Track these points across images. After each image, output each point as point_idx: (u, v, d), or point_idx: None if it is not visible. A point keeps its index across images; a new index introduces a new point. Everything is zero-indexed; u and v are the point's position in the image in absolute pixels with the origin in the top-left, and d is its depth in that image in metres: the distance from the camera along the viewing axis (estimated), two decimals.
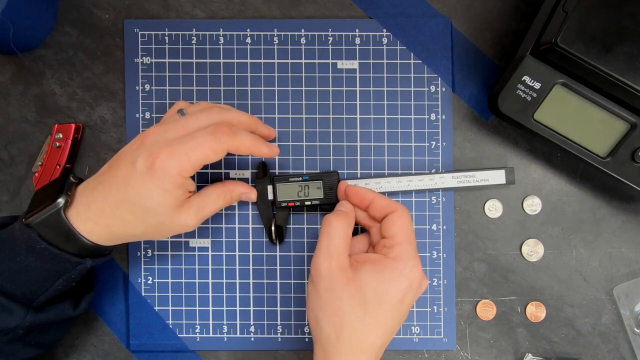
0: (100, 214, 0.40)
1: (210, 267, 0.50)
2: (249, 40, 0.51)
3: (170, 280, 0.50)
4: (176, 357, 0.50)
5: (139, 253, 0.51)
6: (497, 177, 0.49)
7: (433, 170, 0.50)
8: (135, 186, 0.39)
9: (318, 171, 0.50)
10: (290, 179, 0.48)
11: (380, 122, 0.50)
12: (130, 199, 0.39)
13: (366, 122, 0.50)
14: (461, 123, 0.51)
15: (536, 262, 0.50)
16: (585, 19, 0.41)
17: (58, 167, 0.49)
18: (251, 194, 0.47)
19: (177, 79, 0.51)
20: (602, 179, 0.49)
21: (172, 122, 0.42)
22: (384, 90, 0.50)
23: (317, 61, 0.51)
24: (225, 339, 0.50)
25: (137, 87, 0.51)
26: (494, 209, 0.50)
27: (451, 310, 0.50)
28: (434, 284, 0.50)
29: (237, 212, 0.50)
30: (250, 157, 0.50)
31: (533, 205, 0.50)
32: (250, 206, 0.50)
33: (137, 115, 0.51)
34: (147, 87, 0.51)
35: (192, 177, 0.44)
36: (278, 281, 0.50)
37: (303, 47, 0.51)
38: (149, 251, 0.51)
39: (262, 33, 0.51)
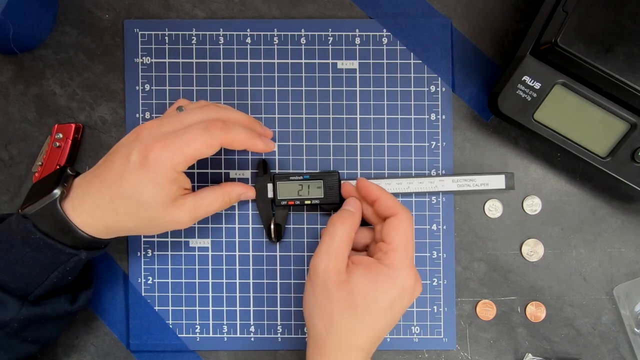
0: (94, 206, 0.40)
1: (210, 267, 0.50)
2: (249, 40, 0.51)
3: (170, 280, 0.50)
4: (176, 357, 0.50)
5: (139, 253, 0.51)
6: (496, 181, 0.49)
7: (433, 172, 0.50)
8: (129, 179, 0.39)
9: (319, 171, 0.50)
10: (291, 178, 0.48)
11: (380, 122, 0.50)
12: (125, 192, 0.39)
13: (366, 122, 0.50)
14: (461, 123, 0.51)
15: (536, 262, 0.50)
16: (585, 19, 0.41)
17: (58, 167, 0.49)
18: (249, 193, 0.48)
19: (177, 79, 0.51)
20: (602, 179, 0.49)
21: (168, 117, 0.42)
22: (384, 90, 0.50)
23: (317, 61, 0.51)
24: (225, 339, 0.50)
25: (137, 87, 0.51)
26: (494, 209, 0.50)
27: (451, 310, 0.50)
28: (434, 284, 0.50)
29: (237, 212, 0.50)
30: (250, 157, 0.50)
31: (533, 205, 0.50)
32: (250, 206, 0.50)
33: (137, 115, 0.51)
34: (147, 87, 0.51)
35: (192, 178, 0.44)
36: (278, 281, 0.50)
37: (303, 47, 0.51)
38: (149, 251, 0.51)
39: (262, 33, 0.51)
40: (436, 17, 0.51)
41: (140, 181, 0.39)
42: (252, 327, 0.50)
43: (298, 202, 0.48)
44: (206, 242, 0.51)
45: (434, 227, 0.50)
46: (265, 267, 0.50)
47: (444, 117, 0.50)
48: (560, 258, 0.50)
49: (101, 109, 0.51)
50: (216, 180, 0.50)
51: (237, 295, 0.50)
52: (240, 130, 0.42)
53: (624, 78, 0.41)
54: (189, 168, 0.41)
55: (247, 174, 0.50)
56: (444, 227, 0.50)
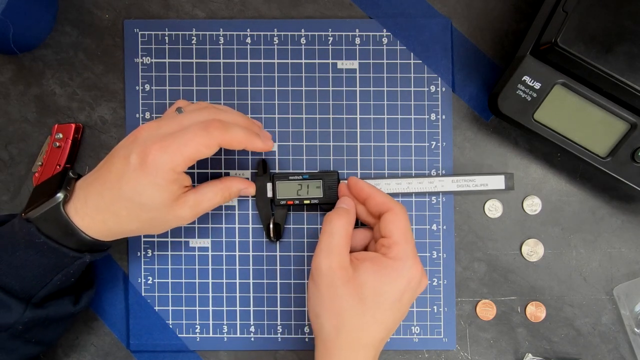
0: (96, 209, 0.40)
1: (210, 267, 0.50)
2: (249, 40, 0.51)
3: (170, 280, 0.50)
4: (176, 357, 0.50)
5: (139, 253, 0.51)
6: (496, 182, 0.49)
7: (433, 172, 0.50)
8: (129, 182, 0.39)
9: (318, 171, 0.50)
10: (290, 177, 0.48)
11: (380, 122, 0.50)
12: (125, 195, 0.39)
13: (366, 122, 0.50)
14: (461, 123, 0.51)
15: (536, 262, 0.50)
16: (585, 19, 0.41)
17: (58, 167, 0.49)
18: (249, 189, 0.48)
19: (177, 79, 0.51)
20: (602, 179, 0.49)
21: (167, 118, 0.42)
22: (384, 90, 0.50)
23: (317, 61, 0.51)
24: (225, 339, 0.50)
25: (137, 87, 0.51)
26: (494, 209, 0.50)
27: (451, 310, 0.50)
28: (434, 284, 0.50)
29: (237, 212, 0.50)
30: (250, 156, 0.50)
31: (533, 205, 0.50)
32: (250, 206, 0.50)
33: (137, 115, 0.51)
34: (147, 87, 0.51)
35: (192, 178, 0.44)
36: (278, 281, 0.50)
37: (303, 47, 0.51)
38: (149, 251, 0.51)
39: (262, 33, 0.51)
40: (436, 17, 0.51)
41: (140, 183, 0.39)
42: (252, 327, 0.50)
43: (297, 202, 0.48)
44: (206, 242, 0.51)
45: (434, 227, 0.50)
46: (265, 267, 0.50)
47: (444, 117, 0.50)
48: (560, 258, 0.50)
49: (101, 109, 0.51)
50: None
51: (237, 295, 0.50)
52: (239, 130, 0.42)
53: (624, 78, 0.41)
54: (189, 168, 0.41)
55: (247, 173, 0.50)
56: (444, 227, 0.50)
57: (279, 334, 0.50)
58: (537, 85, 0.44)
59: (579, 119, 0.44)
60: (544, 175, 0.51)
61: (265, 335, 0.50)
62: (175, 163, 0.39)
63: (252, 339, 0.50)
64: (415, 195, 0.50)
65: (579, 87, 0.44)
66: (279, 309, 0.50)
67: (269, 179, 0.49)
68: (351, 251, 0.44)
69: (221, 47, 0.51)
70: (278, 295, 0.50)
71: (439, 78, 0.50)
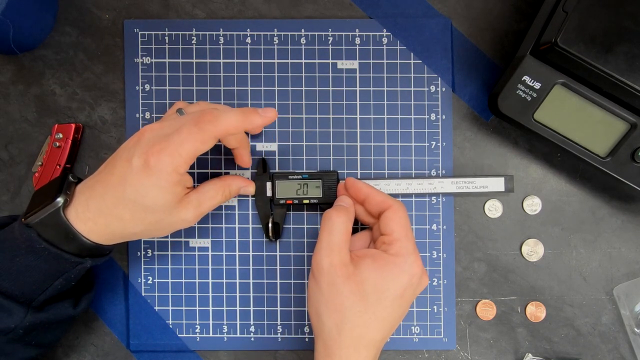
0: (98, 213, 0.40)
1: (210, 267, 0.50)
2: (249, 40, 0.51)
3: (170, 280, 0.50)
4: (176, 357, 0.50)
5: (139, 253, 0.51)
6: (496, 184, 0.49)
7: (433, 172, 0.50)
8: (132, 184, 0.39)
9: (318, 170, 0.50)
10: (290, 177, 0.48)
11: (380, 122, 0.50)
12: (128, 197, 0.39)
13: (366, 122, 0.50)
14: (461, 123, 0.51)
15: (536, 262, 0.50)
16: (585, 19, 0.41)
17: (58, 167, 0.49)
18: (249, 187, 0.48)
19: (177, 79, 0.51)
20: (602, 179, 0.49)
21: (168, 119, 0.42)
22: (384, 90, 0.50)
23: (317, 61, 0.51)
24: (225, 339, 0.50)
25: (137, 87, 0.51)
26: (494, 209, 0.50)
27: (451, 310, 0.50)
28: (434, 284, 0.50)
29: (237, 212, 0.50)
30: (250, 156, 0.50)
31: (533, 205, 0.50)
32: (250, 206, 0.50)
33: (137, 115, 0.51)
34: (147, 87, 0.51)
35: (192, 178, 0.44)
36: (278, 281, 0.50)
37: (303, 47, 0.51)
38: (149, 251, 0.51)
39: (262, 33, 0.51)
40: (436, 17, 0.51)
41: (143, 185, 0.39)
42: (252, 327, 0.50)
43: (297, 202, 0.48)
44: (206, 242, 0.51)
45: (434, 227, 0.50)
46: (265, 267, 0.50)
47: (444, 117, 0.50)
48: (560, 258, 0.50)
49: (101, 109, 0.51)
50: None
51: (237, 295, 0.50)
52: (230, 114, 0.41)
53: (624, 78, 0.41)
54: (190, 168, 0.41)
55: (247, 174, 0.50)
56: (444, 227, 0.50)
57: (279, 334, 0.50)
58: (537, 85, 0.44)
59: (579, 119, 0.44)
60: (544, 175, 0.51)
61: (265, 335, 0.50)
62: (176, 164, 0.39)
63: (252, 339, 0.50)
64: (415, 195, 0.50)
65: (579, 87, 0.44)
66: (279, 309, 0.50)
67: (269, 178, 0.49)
68: (350, 252, 0.44)
69: (221, 47, 0.51)
70: (278, 295, 0.50)
71: (439, 78, 0.50)
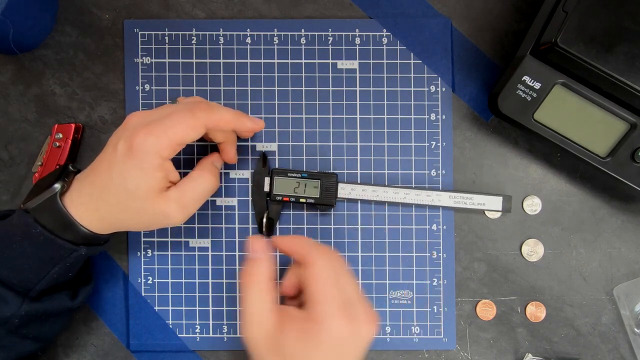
0: (89, 197, 0.41)
1: (210, 267, 0.50)
2: (249, 40, 0.51)
3: (170, 280, 0.50)
4: (176, 357, 0.50)
5: (139, 253, 0.51)
6: (494, 203, 0.49)
7: (433, 173, 0.50)
8: (117, 168, 0.40)
9: (317, 171, 0.50)
10: (289, 174, 0.49)
11: (380, 122, 0.50)
12: (114, 182, 0.40)
13: (366, 122, 0.50)
14: (461, 123, 0.51)
15: (536, 262, 0.50)
16: (585, 19, 0.41)
17: (58, 167, 0.49)
18: (218, 158, 0.46)
19: (177, 79, 0.51)
20: (602, 179, 0.49)
21: (157, 107, 0.42)
22: (384, 90, 0.50)
23: (317, 61, 0.51)
24: (225, 339, 0.50)
25: (137, 87, 0.51)
26: None
27: (451, 310, 0.50)
28: (434, 284, 0.50)
29: (237, 212, 0.50)
30: (250, 157, 0.50)
31: (533, 205, 0.50)
32: (250, 206, 0.50)
33: None
34: (147, 87, 0.51)
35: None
36: (278, 281, 0.50)
37: (303, 47, 0.51)
38: (149, 251, 0.51)
39: (262, 33, 0.51)
40: (436, 17, 0.51)
41: (127, 168, 0.39)
42: None
43: (293, 199, 0.48)
44: (206, 242, 0.51)
45: (434, 227, 0.50)
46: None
47: (444, 117, 0.50)
48: (560, 258, 0.50)
49: (101, 109, 0.51)
50: None
51: (237, 295, 0.50)
52: (225, 110, 0.42)
53: (624, 78, 0.41)
54: (187, 168, 0.41)
55: (247, 174, 0.50)
56: (444, 227, 0.50)
57: None
58: (537, 85, 0.44)
59: (579, 119, 0.44)
60: (544, 175, 0.51)
61: None
62: (160, 146, 0.39)
63: None
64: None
65: (579, 87, 0.44)
66: None
67: (268, 174, 0.49)
68: (291, 296, 0.42)
69: (221, 47, 0.51)
70: (278, 295, 0.50)
71: (439, 78, 0.50)
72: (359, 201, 0.50)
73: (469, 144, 0.51)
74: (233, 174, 0.50)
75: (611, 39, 0.41)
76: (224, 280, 0.50)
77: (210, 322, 0.50)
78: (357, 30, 0.50)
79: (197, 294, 0.50)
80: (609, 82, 0.41)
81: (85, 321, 0.51)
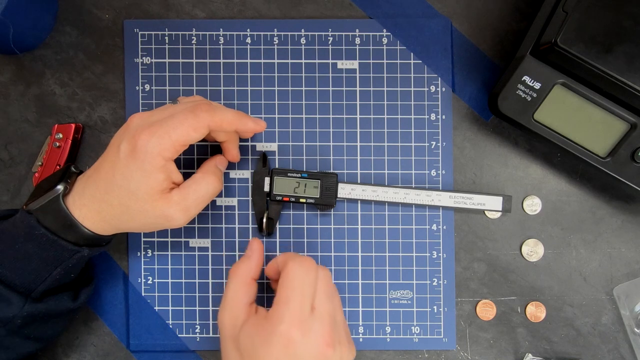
0: (92, 199, 0.41)
1: (210, 267, 0.50)
2: (249, 40, 0.51)
3: (170, 280, 0.50)
4: (176, 357, 0.50)
5: (139, 253, 0.51)
6: (494, 203, 0.49)
7: (433, 173, 0.50)
8: (120, 169, 0.40)
9: (318, 171, 0.50)
10: (289, 174, 0.49)
11: (380, 122, 0.50)
12: (116, 183, 0.40)
13: (366, 122, 0.50)
14: (461, 123, 0.51)
15: (536, 262, 0.50)
16: (585, 19, 0.41)
17: (58, 167, 0.49)
18: (223, 160, 0.47)
19: (177, 79, 0.51)
20: (602, 179, 0.49)
21: (159, 108, 0.42)
22: (384, 90, 0.50)
23: (317, 61, 0.51)
24: None
25: (137, 87, 0.51)
26: None
27: (451, 310, 0.50)
28: (434, 284, 0.50)
29: (237, 212, 0.50)
30: (250, 157, 0.50)
31: (533, 205, 0.50)
32: (250, 206, 0.50)
33: None
34: (147, 87, 0.51)
35: (188, 177, 0.44)
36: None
37: (303, 47, 0.51)
38: (149, 251, 0.51)
39: (262, 33, 0.51)
40: (436, 17, 0.51)
41: (129, 169, 0.39)
42: None
43: (293, 199, 0.48)
44: (206, 242, 0.51)
45: (434, 227, 0.50)
46: (264, 267, 0.50)
47: (444, 117, 0.50)
48: (560, 258, 0.50)
49: (101, 109, 0.51)
50: None
51: None
52: (227, 111, 0.42)
53: (624, 78, 0.41)
54: (188, 168, 0.41)
55: (247, 174, 0.50)
56: (444, 227, 0.50)
57: None
58: (537, 85, 0.44)
59: (579, 119, 0.44)
60: (544, 175, 0.51)
61: None
62: (163, 147, 0.39)
63: None
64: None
65: (579, 87, 0.44)
66: None
67: (268, 173, 0.49)
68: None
69: (221, 47, 0.51)
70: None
71: (439, 78, 0.50)
72: (359, 201, 0.50)
73: (469, 144, 0.51)
74: (233, 174, 0.50)
75: (611, 39, 0.41)
76: (224, 281, 0.50)
77: (210, 322, 0.50)
78: (357, 30, 0.50)
79: (197, 294, 0.50)
80: (609, 82, 0.41)
81: (85, 321, 0.51)
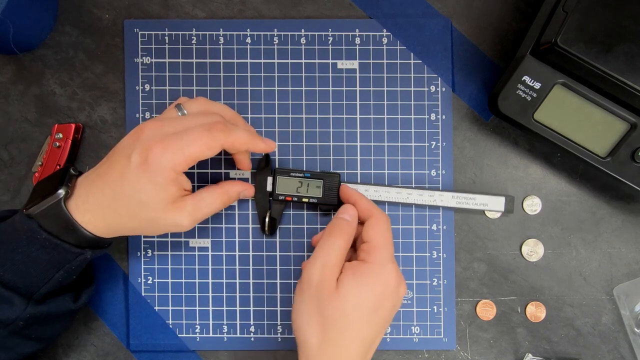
0: (97, 206, 0.40)
1: (210, 267, 0.50)
2: (249, 40, 0.51)
3: (170, 280, 0.50)
4: (176, 357, 0.50)
5: (139, 253, 0.51)
6: (496, 203, 0.49)
7: (433, 173, 0.50)
8: (130, 180, 0.39)
9: (319, 171, 0.50)
10: (292, 174, 0.48)
11: (380, 122, 0.50)
12: (125, 193, 0.40)
13: (366, 122, 0.50)
14: (461, 123, 0.51)
15: (536, 262, 0.50)
16: (585, 19, 0.41)
17: (58, 167, 0.49)
18: (249, 191, 0.48)
19: (177, 79, 0.51)
20: (602, 179, 0.49)
21: (169, 118, 0.42)
22: (384, 90, 0.50)
23: (317, 61, 0.51)
24: (225, 339, 0.50)
25: (137, 87, 0.51)
26: None
27: (451, 310, 0.50)
28: (434, 284, 0.50)
29: (237, 212, 0.50)
30: (250, 156, 0.50)
31: (533, 205, 0.50)
32: (250, 206, 0.50)
33: (137, 115, 0.51)
34: (147, 87, 0.51)
35: (192, 178, 0.44)
36: (278, 281, 0.50)
37: (303, 47, 0.51)
38: (149, 251, 0.51)
39: (262, 33, 0.51)
40: (436, 17, 0.51)
41: (140, 181, 0.39)
42: (252, 327, 0.50)
43: (295, 199, 0.48)
44: (206, 242, 0.51)
45: (434, 227, 0.50)
46: (265, 267, 0.50)
47: (444, 117, 0.50)
48: (560, 258, 0.50)
49: (101, 109, 0.51)
50: (216, 180, 0.50)
51: (237, 295, 0.50)
52: (241, 132, 0.42)
53: (624, 78, 0.41)
54: (189, 168, 0.41)
55: (247, 174, 0.50)
56: (444, 227, 0.50)
57: (279, 334, 0.50)
58: (537, 85, 0.44)
59: (579, 119, 0.44)
60: (544, 175, 0.51)
61: (265, 335, 0.50)
62: (175, 162, 0.39)
63: (252, 339, 0.50)
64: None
65: (579, 87, 0.44)
66: (279, 309, 0.50)
67: (270, 173, 0.49)
68: None
69: (221, 47, 0.51)
70: (278, 295, 0.50)
71: (439, 78, 0.50)
72: None
73: (469, 144, 0.51)
74: (233, 174, 0.50)
75: (611, 39, 0.41)
76: (224, 280, 0.50)
77: (210, 322, 0.50)
78: (357, 30, 0.51)
79: (197, 294, 0.50)
80: (609, 82, 0.41)
81: (85, 321, 0.51)
